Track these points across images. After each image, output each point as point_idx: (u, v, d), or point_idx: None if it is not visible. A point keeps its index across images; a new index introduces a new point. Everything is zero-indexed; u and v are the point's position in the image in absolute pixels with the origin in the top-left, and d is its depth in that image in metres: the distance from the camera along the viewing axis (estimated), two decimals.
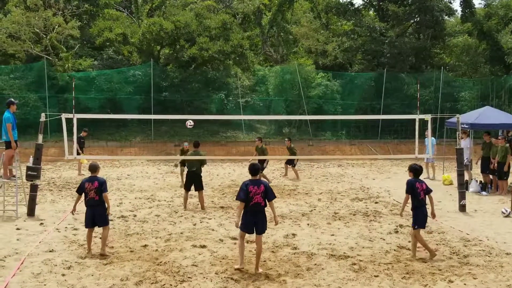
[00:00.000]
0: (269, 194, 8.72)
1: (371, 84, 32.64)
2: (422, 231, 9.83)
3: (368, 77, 32.97)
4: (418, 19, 34.45)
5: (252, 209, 8.62)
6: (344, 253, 9.75)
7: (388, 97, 31.66)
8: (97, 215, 9.52)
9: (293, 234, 11.12)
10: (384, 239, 10.79)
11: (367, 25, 34.18)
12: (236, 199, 8.84)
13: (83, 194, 9.61)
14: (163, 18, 30.14)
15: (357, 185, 18.49)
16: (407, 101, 30.83)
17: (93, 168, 9.80)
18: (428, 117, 14.43)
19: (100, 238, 9.77)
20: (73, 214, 10.17)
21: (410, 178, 9.69)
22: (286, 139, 21.26)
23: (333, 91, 31.27)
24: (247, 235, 8.85)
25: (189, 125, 17.32)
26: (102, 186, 9.52)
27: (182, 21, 29.04)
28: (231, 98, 31.45)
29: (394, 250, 9.96)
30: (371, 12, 38.65)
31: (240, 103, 30.82)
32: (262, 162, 18.43)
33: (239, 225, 8.72)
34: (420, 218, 9.45)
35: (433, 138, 18.75)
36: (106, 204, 9.56)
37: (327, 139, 30.71)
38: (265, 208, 8.76)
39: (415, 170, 9.66)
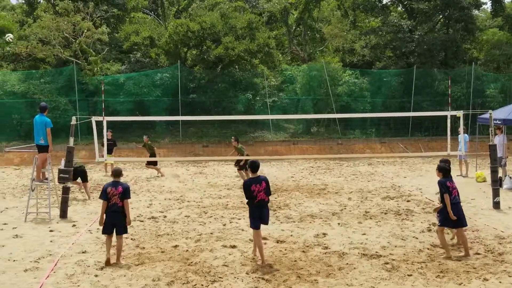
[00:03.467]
0: (269, 190, 9.19)
1: (400, 81, 32.27)
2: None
3: (397, 74, 32.60)
4: (447, 13, 33.95)
5: (258, 205, 9.02)
6: (376, 252, 9.63)
7: (418, 94, 31.21)
8: (118, 222, 9.14)
9: (324, 234, 11.03)
10: (417, 238, 10.63)
11: (394, 23, 33.79)
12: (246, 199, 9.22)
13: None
14: (189, 19, 30.28)
15: (388, 184, 18.28)
16: (438, 98, 30.42)
17: (117, 173, 9.49)
18: (460, 113, 14.20)
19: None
20: (101, 225, 9.33)
21: (440, 178, 9.49)
22: (232, 138, 19.92)
23: (362, 88, 30.98)
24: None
25: (9, 39, 17.80)
26: (126, 192, 9.17)
27: (208, 21, 29.13)
28: (258, 98, 31.39)
29: (428, 248, 9.81)
30: (399, 9, 38.21)
31: (268, 102, 30.75)
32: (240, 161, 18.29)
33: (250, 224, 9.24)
34: (445, 216, 9.26)
35: (465, 134, 18.45)
36: (126, 211, 9.17)
37: (356, 138, 30.46)
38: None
39: (445, 171, 9.52)
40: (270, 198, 14.03)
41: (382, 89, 31.97)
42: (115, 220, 9.12)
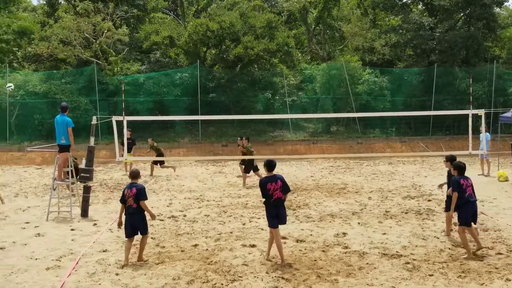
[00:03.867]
0: (286, 188, 9.06)
1: (420, 80, 32.02)
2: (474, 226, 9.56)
3: (417, 72, 32.37)
4: (468, 11, 33.61)
5: (274, 204, 9.01)
6: (396, 252, 9.55)
7: (439, 93, 30.98)
8: (136, 223, 9.10)
9: (344, 233, 10.97)
10: (438, 238, 10.52)
11: (415, 20, 33.56)
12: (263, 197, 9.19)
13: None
14: (209, 19, 30.38)
15: (409, 183, 18.13)
16: (459, 96, 30.12)
17: (133, 174, 9.42)
18: (481, 112, 14.04)
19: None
20: (119, 227, 9.40)
21: (455, 176, 9.50)
22: (240, 138, 19.53)
23: (382, 87, 30.81)
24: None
25: (9, 88, 17.55)
26: (139, 194, 9.09)
27: (227, 21, 29.19)
28: (277, 97, 31.39)
29: (449, 248, 9.70)
30: (419, 7, 37.92)
31: (287, 102, 30.73)
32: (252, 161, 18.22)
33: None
34: (463, 215, 9.26)
35: (487, 133, 18.25)
36: (146, 211, 9.13)
37: (376, 137, 30.31)
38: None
39: (460, 168, 9.49)
40: (290, 197, 13.99)
41: (403, 88, 31.76)
42: (133, 222, 9.10)
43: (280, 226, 9.09)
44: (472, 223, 9.40)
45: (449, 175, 10.49)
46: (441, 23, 33.68)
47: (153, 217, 9.39)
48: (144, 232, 9.22)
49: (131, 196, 9.05)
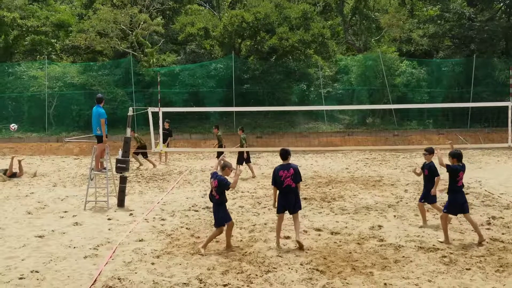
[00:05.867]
0: (297, 177, 9.46)
1: (459, 71, 31.41)
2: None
3: (456, 63, 31.74)
4: (508, 1, 32.80)
5: (283, 191, 9.40)
6: (433, 245, 9.40)
7: (478, 84, 30.36)
8: (214, 213, 9.40)
9: (379, 226, 10.85)
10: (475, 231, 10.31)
11: (454, 10, 32.90)
12: (272, 185, 9.70)
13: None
14: (244, 10, 30.35)
15: (446, 176, 17.75)
16: (498, 88, 29.44)
17: (221, 166, 9.55)
18: None
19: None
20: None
21: (453, 164, 9.81)
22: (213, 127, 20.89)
23: (419, 79, 30.35)
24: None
25: (12, 128, 18.02)
26: (220, 185, 9.15)
27: (262, 12, 29.10)
28: (312, 89, 31.23)
29: (487, 242, 9.50)
30: None
31: (322, 93, 30.53)
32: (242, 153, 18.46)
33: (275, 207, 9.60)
34: (451, 204, 9.61)
35: None
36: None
37: (413, 129, 29.89)
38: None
39: (459, 156, 9.91)
40: (325, 189, 13.91)
41: (441, 79, 31.25)
42: (213, 210, 9.42)
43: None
44: (468, 214, 9.69)
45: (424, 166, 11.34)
46: (480, 13, 32.93)
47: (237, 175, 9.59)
48: (215, 224, 9.35)
49: (214, 187, 9.21)
